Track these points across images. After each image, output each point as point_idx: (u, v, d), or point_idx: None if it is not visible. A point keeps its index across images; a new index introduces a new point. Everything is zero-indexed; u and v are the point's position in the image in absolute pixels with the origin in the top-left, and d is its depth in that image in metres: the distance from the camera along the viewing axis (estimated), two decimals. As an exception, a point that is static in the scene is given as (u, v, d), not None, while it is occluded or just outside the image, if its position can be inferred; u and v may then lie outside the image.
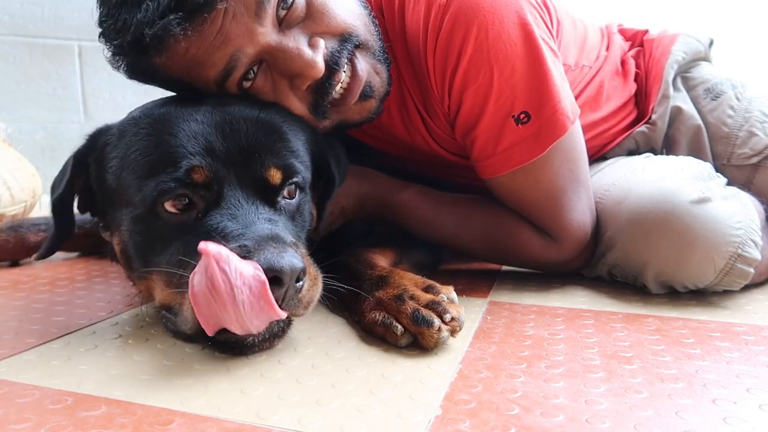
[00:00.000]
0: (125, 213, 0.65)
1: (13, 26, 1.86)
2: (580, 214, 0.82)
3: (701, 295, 0.83)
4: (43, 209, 1.61)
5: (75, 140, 0.73)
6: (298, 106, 0.74)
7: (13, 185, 1.35)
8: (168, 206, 0.62)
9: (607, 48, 1.02)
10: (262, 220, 0.61)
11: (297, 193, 0.69)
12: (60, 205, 0.72)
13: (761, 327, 0.71)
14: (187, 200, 0.62)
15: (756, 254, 0.78)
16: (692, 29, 1.09)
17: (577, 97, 0.94)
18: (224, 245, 0.55)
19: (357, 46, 0.74)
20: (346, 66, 0.72)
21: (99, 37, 0.70)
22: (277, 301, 0.53)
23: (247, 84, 0.71)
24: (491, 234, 0.86)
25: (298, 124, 0.73)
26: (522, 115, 0.75)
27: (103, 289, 0.87)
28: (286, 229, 0.63)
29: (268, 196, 0.65)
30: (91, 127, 0.73)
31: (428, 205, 0.88)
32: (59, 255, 1.14)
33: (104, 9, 0.68)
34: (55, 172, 0.74)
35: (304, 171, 0.70)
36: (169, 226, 0.62)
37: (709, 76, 1.03)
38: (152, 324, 0.71)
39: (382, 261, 0.79)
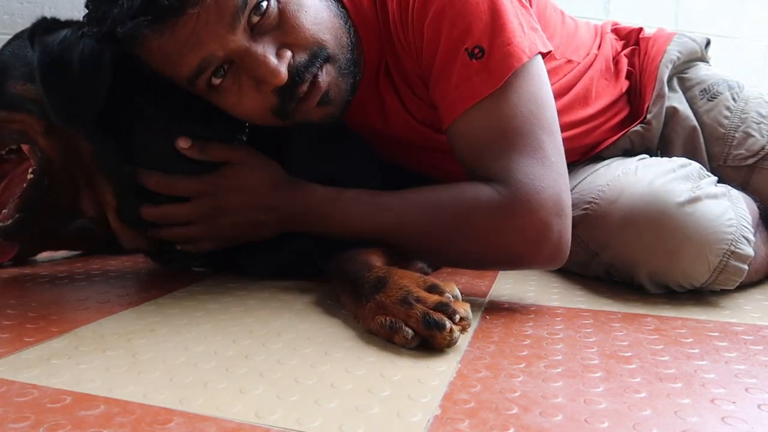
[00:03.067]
0: None
1: (13, 25, 1.86)
2: (538, 166, 0.72)
3: (700, 295, 0.84)
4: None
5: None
6: (260, 106, 0.76)
7: (12, 185, 1.35)
8: None
9: (599, 47, 1.03)
10: None
11: None
12: None
13: (760, 327, 0.71)
14: None
15: (749, 250, 0.78)
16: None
17: (566, 93, 0.95)
18: None
19: (325, 60, 0.76)
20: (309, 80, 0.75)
21: (83, 18, 0.76)
22: None
23: (216, 81, 0.74)
24: (435, 204, 0.76)
25: None
26: (476, 50, 0.73)
27: (102, 288, 0.87)
28: None
29: None
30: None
31: (367, 201, 0.80)
32: (59, 254, 1.14)
33: None
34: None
35: None
36: None
37: (706, 77, 1.03)
38: (152, 323, 0.71)
39: (377, 260, 0.77)
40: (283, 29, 0.73)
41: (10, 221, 0.81)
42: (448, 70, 0.76)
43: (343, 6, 0.82)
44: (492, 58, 0.73)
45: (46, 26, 0.79)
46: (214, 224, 0.83)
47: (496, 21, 0.74)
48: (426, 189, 0.79)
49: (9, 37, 0.83)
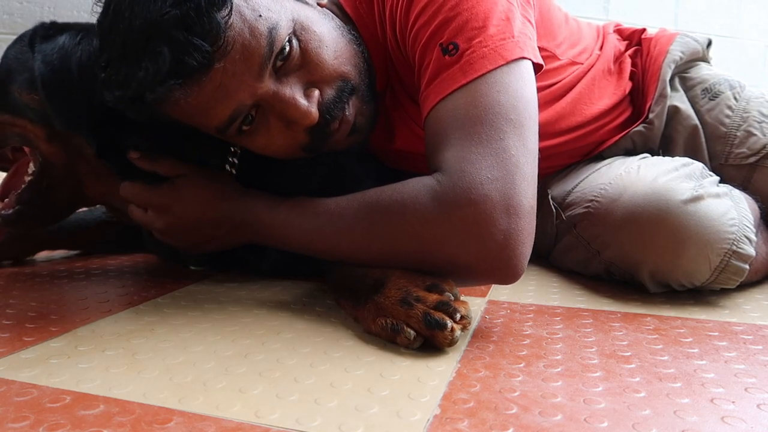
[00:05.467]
0: None
1: (13, 25, 1.86)
2: (490, 156, 0.64)
3: (699, 295, 0.84)
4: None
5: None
6: (291, 143, 0.75)
7: (12, 184, 1.35)
8: None
9: (601, 47, 1.03)
10: None
11: None
12: None
13: (759, 326, 0.71)
14: None
15: (750, 250, 0.78)
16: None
17: (567, 93, 0.95)
18: None
19: (351, 93, 0.76)
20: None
21: (99, 82, 0.71)
22: None
23: (246, 128, 0.73)
24: (373, 201, 0.70)
25: None
26: (450, 46, 0.70)
27: (101, 287, 0.87)
28: None
29: None
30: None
31: (304, 208, 0.75)
32: (58, 253, 1.14)
33: (105, 55, 0.69)
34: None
35: None
36: None
37: (707, 76, 1.03)
38: (151, 322, 0.71)
39: None
40: (307, 68, 0.72)
41: (11, 211, 0.86)
42: (423, 60, 0.73)
43: (355, 28, 0.81)
44: (465, 57, 0.69)
45: (44, 33, 0.80)
46: (174, 238, 0.83)
47: (480, 21, 0.70)
48: (372, 189, 0.71)
49: (9, 36, 0.84)
